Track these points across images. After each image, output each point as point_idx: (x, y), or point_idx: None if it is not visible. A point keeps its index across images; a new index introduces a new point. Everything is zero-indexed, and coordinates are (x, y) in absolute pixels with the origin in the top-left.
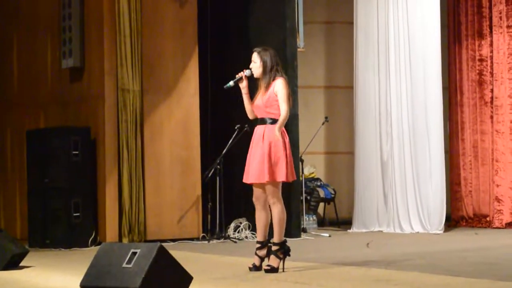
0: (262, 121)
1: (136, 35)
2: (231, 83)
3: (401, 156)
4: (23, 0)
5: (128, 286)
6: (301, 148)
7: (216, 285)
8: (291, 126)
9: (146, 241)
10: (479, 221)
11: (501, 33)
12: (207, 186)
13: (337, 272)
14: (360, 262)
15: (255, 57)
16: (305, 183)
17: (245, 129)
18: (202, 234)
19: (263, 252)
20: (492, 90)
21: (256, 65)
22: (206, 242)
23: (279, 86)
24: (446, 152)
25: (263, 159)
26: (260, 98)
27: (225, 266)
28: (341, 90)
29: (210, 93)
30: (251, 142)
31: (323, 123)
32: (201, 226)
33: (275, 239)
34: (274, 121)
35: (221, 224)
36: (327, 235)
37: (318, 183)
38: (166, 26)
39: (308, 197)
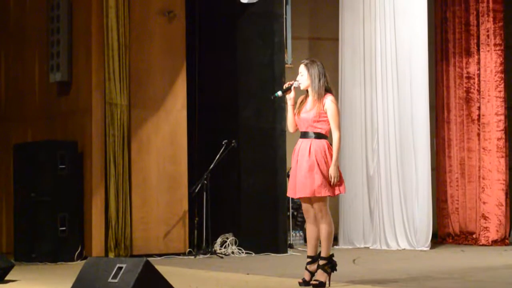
0: (307, 135)
1: (124, 49)
2: (280, 93)
3: (387, 172)
4: (11, 14)
5: None
6: (289, 163)
7: None
8: (278, 141)
9: (132, 255)
10: (466, 238)
11: (488, 51)
12: (194, 201)
13: None
14: (347, 278)
15: (302, 69)
16: (292, 199)
17: (232, 144)
18: (188, 249)
19: (313, 267)
20: (479, 108)
21: (303, 78)
22: (193, 257)
23: (330, 106)
24: (432, 169)
25: (311, 174)
26: (307, 111)
27: (211, 281)
28: None
29: (197, 108)
30: (296, 156)
31: None
32: (187, 241)
33: (323, 253)
34: (319, 135)
35: (208, 239)
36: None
37: None
38: (154, 41)
39: (295, 213)
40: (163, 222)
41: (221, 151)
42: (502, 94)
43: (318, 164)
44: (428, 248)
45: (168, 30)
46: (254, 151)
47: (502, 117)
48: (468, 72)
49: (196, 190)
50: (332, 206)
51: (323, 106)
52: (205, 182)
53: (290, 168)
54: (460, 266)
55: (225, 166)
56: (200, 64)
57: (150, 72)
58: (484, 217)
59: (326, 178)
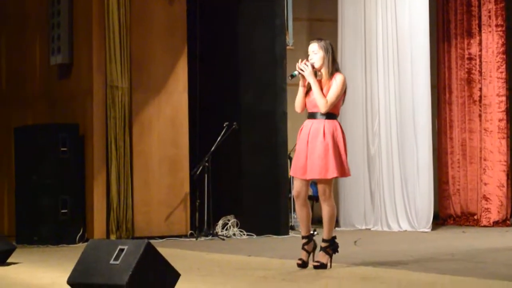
0: (318, 116)
1: (125, 32)
2: (296, 72)
3: (388, 154)
4: None
5: (115, 283)
6: (290, 146)
7: (204, 282)
8: (279, 124)
9: (134, 238)
10: (467, 219)
11: (490, 32)
12: (195, 184)
13: (325, 270)
14: (348, 259)
15: (316, 48)
16: (294, 180)
17: (234, 126)
18: (190, 232)
19: (310, 246)
20: (480, 89)
21: (317, 56)
22: (194, 239)
23: (336, 81)
24: (434, 150)
25: (326, 156)
26: None
27: (212, 263)
28: None
29: (199, 90)
30: (306, 136)
31: None
32: (189, 224)
33: (325, 235)
34: (330, 116)
35: (209, 222)
36: (315, 232)
37: None
38: (155, 24)
39: None
40: (165, 204)
41: (222, 133)
42: (503, 75)
43: (333, 146)
44: (429, 230)
45: (169, 12)
46: (255, 133)
47: (504, 98)
48: (469, 53)
49: (198, 173)
50: (335, 188)
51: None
52: (207, 164)
53: (294, 148)
54: (462, 247)
55: (226, 148)
56: (202, 47)
57: (151, 54)
58: (486, 198)
59: (338, 160)
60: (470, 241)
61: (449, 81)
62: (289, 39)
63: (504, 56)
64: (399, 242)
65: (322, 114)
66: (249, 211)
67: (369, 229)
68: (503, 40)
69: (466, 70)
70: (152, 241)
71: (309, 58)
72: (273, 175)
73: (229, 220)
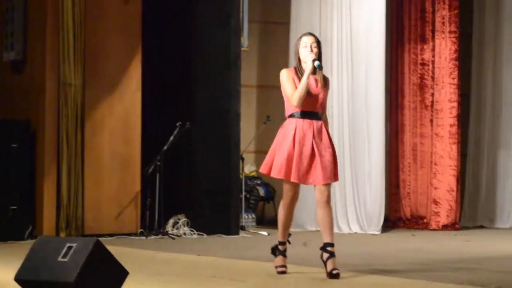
0: (316, 116)
1: (79, 29)
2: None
3: (340, 156)
4: None
5: (63, 280)
6: (242, 147)
7: (152, 280)
8: (232, 124)
9: (83, 235)
10: (416, 222)
11: (443, 38)
12: (147, 182)
13: (274, 270)
14: (297, 260)
15: (315, 41)
16: (245, 181)
17: (187, 126)
18: (140, 230)
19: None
20: (432, 94)
21: (316, 51)
22: (144, 238)
23: (329, 88)
24: (385, 154)
25: (335, 158)
26: (317, 90)
27: (161, 262)
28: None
29: (153, 89)
30: (310, 139)
31: (264, 123)
32: (139, 222)
33: (331, 239)
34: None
35: (160, 220)
36: (266, 233)
37: (258, 182)
38: (110, 21)
39: (248, 195)
40: (115, 202)
41: (175, 132)
42: (455, 81)
43: (334, 150)
44: (379, 232)
45: (124, 11)
46: (208, 133)
47: (455, 104)
48: (422, 59)
49: (150, 171)
50: (281, 188)
51: (326, 86)
52: (159, 163)
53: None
54: (410, 250)
55: (179, 148)
56: (157, 46)
57: (105, 52)
58: (435, 202)
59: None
60: (419, 244)
61: (401, 86)
62: (244, 40)
63: (457, 62)
64: (348, 244)
65: (319, 115)
66: (200, 211)
67: (319, 230)
68: (456, 46)
69: (419, 75)
70: (101, 239)
71: (309, 51)
72: (225, 175)
73: (179, 219)
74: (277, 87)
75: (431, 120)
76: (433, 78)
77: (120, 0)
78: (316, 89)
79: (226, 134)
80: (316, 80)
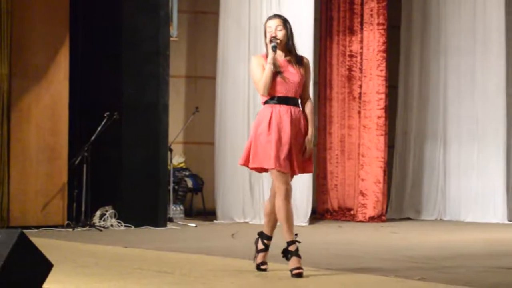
0: (293, 102)
1: (6, 17)
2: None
3: None
4: None
5: None
6: (171, 138)
7: (77, 273)
8: (161, 115)
9: (9, 227)
10: (344, 214)
11: (371, 30)
12: (74, 173)
13: (201, 262)
14: (225, 252)
15: (279, 23)
16: (174, 172)
17: (114, 117)
18: (67, 222)
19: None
20: (360, 86)
21: (282, 33)
22: (71, 229)
23: (309, 69)
24: (314, 145)
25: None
26: (290, 73)
27: (88, 254)
28: (211, 80)
29: (81, 79)
30: (288, 125)
31: (193, 113)
32: (66, 214)
33: (292, 237)
34: (298, 102)
35: (87, 212)
36: (194, 225)
37: (187, 173)
38: (38, 10)
39: (176, 187)
40: (42, 193)
41: (102, 123)
42: (383, 73)
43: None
44: (306, 224)
45: None
46: (136, 124)
47: (383, 96)
48: (351, 51)
49: (76, 162)
50: (210, 180)
51: (303, 68)
52: (86, 154)
53: (251, 139)
54: (337, 241)
55: (107, 139)
56: (85, 35)
57: (33, 41)
58: (362, 193)
59: None
60: (345, 235)
61: (330, 77)
62: (173, 30)
63: (385, 55)
64: (275, 236)
65: (297, 100)
66: (128, 202)
67: (247, 222)
68: (384, 38)
69: (347, 67)
70: (27, 231)
71: (271, 34)
72: (153, 167)
73: (107, 211)
74: (206, 77)
75: (359, 112)
76: (361, 70)
77: None
78: (290, 72)
79: (154, 125)
80: (290, 62)
